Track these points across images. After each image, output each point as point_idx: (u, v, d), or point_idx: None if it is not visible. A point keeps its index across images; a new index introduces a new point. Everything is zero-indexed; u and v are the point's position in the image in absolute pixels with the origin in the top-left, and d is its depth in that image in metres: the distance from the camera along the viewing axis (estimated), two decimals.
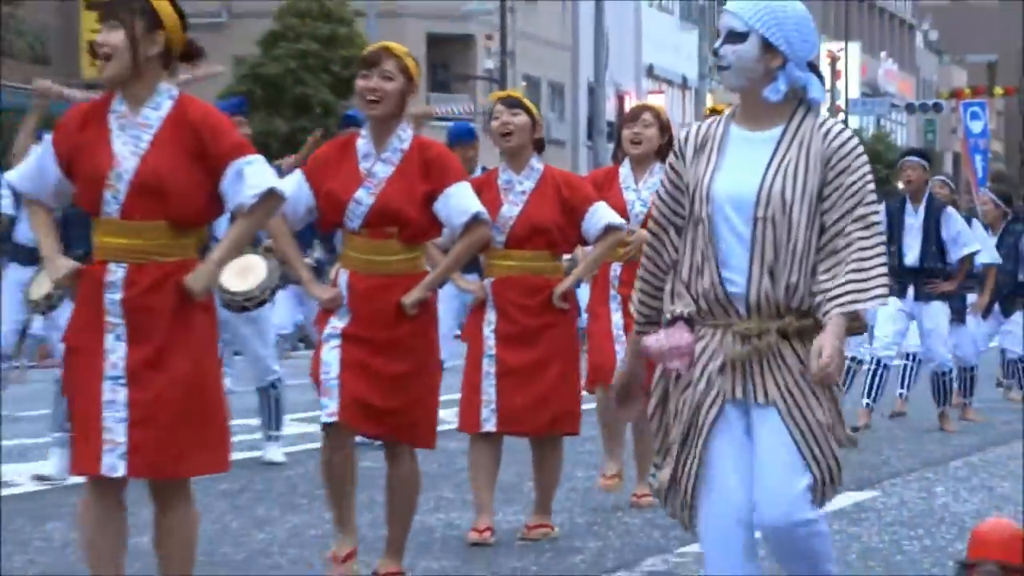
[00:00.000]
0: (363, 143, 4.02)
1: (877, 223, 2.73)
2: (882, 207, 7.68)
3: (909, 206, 8.75)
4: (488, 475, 4.88)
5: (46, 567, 4.37)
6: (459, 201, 3.91)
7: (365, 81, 4.00)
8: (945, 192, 9.31)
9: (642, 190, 5.03)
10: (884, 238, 2.82)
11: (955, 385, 9.07)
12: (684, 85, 40.23)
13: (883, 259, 2.71)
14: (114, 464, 2.90)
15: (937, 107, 42.21)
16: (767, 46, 2.69)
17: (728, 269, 2.66)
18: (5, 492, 5.86)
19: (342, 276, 3.99)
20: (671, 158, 2.90)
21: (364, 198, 3.91)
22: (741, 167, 2.70)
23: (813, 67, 2.83)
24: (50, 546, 4.78)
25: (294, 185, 3.90)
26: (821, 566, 2.72)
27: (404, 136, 3.99)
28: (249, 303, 6.17)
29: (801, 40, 2.76)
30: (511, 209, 4.83)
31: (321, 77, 24.55)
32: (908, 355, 9.16)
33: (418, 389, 3.99)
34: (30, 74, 19.46)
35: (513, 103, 5.01)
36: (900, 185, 9.55)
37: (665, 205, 2.79)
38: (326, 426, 3.97)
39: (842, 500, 6.11)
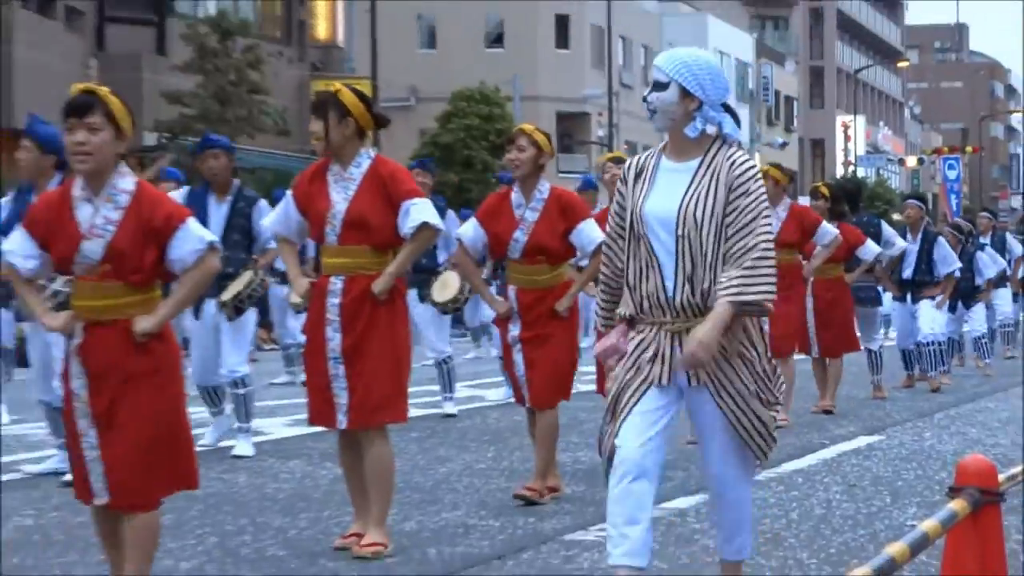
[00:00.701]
0: (516, 196, 5.22)
1: (767, 234, 3.10)
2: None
3: (908, 235, 10.83)
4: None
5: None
6: (588, 233, 5.10)
7: (507, 153, 5.30)
8: (920, 214, 11.36)
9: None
10: (772, 246, 3.17)
11: (941, 357, 11.17)
12: (739, 145, 52.38)
13: (771, 263, 3.09)
14: (341, 419, 4.20)
15: (920, 161, 59.90)
16: (684, 92, 3.06)
17: (664, 277, 3.06)
18: None
19: (511, 291, 5.26)
20: (619, 183, 3.31)
21: (520, 237, 5.16)
22: (666, 193, 3.07)
23: (729, 108, 3.22)
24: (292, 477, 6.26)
25: (470, 228, 5.39)
26: (741, 516, 3.36)
27: (543, 189, 5.20)
28: (453, 305, 8.27)
29: (714, 86, 3.11)
30: None
31: (481, 143, 33.12)
32: (917, 344, 11.21)
33: (564, 366, 5.31)
34: (275, 143, 27.13)
35: (618, 161, 6.55)
36: (899, 217, 10.99)
37: (615, 221, 3.25)
38: (528, 410, 5.37)
39: (857, 442, 7.77)
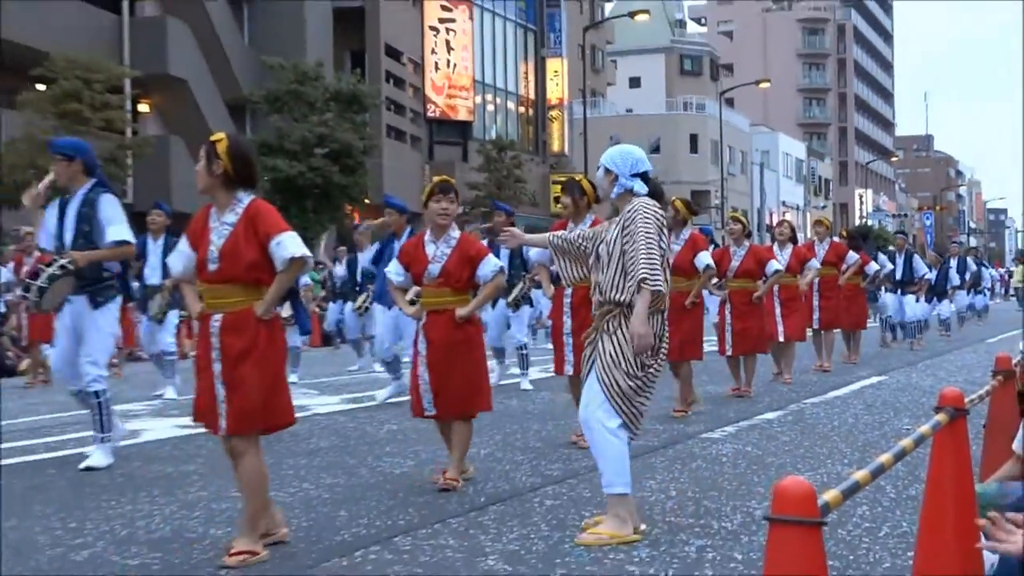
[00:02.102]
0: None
1: (653, 250, 4.16)
2: (887, 256, 14.96)
3: (897, 255, 15.19)
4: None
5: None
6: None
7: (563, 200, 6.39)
8: (904, 242, 16.30)
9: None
10: (655, 258, 4.16)
11: (919, 329, 15.54)
12: (798, 208, 67.20)
13: (656, 267, 4.14)
14: (427, 407, 5.20)
15: (905, 215, 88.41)
16: (607, 170, 4.33)
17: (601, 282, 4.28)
18: None
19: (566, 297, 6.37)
20: (600, 226, 4.68)
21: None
22: (608, 233, 4.38)
23: (644, 176, 4.36)
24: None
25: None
26: (599, 451, 4.25)
27: (588, 219, 6.09)
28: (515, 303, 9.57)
29: (624, 163, 4.34)
30: None
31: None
32: (916, 321, 15.23)
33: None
34: (529, 211, 34.61)
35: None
36: (892, 247, 17.06)
37: (587, 240, 4.55)
38: (571, 376, 6.30)
39: (871, 380, 10.25)
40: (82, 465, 5.87)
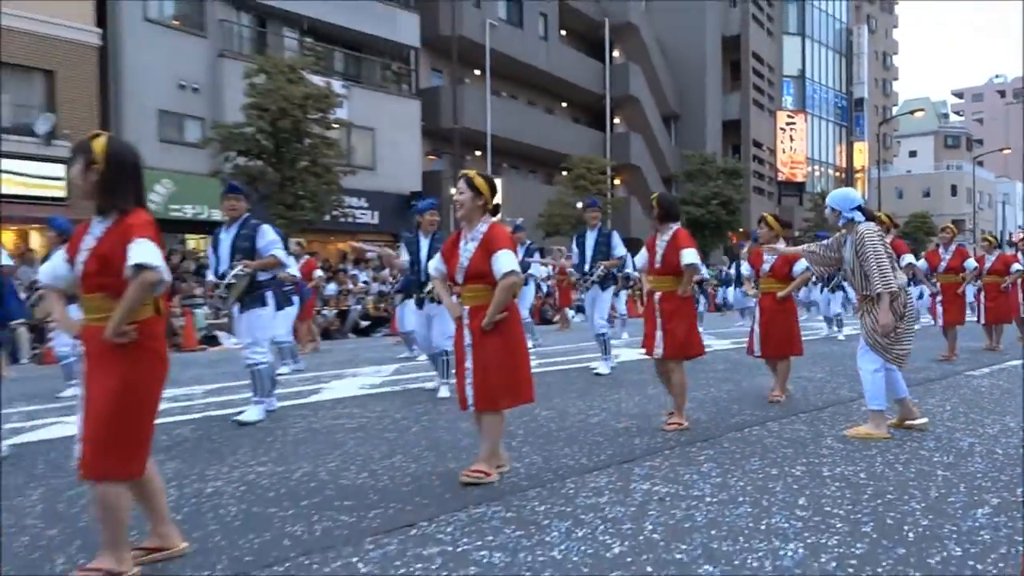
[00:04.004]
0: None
1: (883, 262, 4.43)
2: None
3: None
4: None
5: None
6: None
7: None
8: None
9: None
10: (884, 268, 4.48)
11: None
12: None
13: (887, 276, 4.38)
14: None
15: None
16: (832, 209, 4.75)
17: None
18: None
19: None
20: (834, 239, 4.81)
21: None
22: (844, 250, 4.74)
23: (860, 208, 4.76)
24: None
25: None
26: (864, 384, 4.58)
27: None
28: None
29: (844, 202, 4.71)
30: None
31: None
32: None
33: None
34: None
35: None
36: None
37: (830, 249, 4.85)
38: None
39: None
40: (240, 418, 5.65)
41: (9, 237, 17.57)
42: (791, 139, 48.29)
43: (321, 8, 23.63)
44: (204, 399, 7.09)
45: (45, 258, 6.90)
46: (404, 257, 6.86)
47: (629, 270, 10.51)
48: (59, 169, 17.62)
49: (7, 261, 4.44)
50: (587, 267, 8.15)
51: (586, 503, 3.58)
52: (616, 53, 38.13)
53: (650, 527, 3.24)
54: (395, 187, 25.28)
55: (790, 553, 2.92)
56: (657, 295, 5.34)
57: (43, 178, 17.88)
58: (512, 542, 3.10)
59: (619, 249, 8.19)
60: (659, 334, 5.25)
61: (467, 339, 3.97)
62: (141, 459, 2.80)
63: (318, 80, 19.39)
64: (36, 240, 16.96)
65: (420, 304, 6.76)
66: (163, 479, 3.95)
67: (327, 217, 19.72)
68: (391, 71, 26.51)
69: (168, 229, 17.31)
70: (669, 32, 40.43)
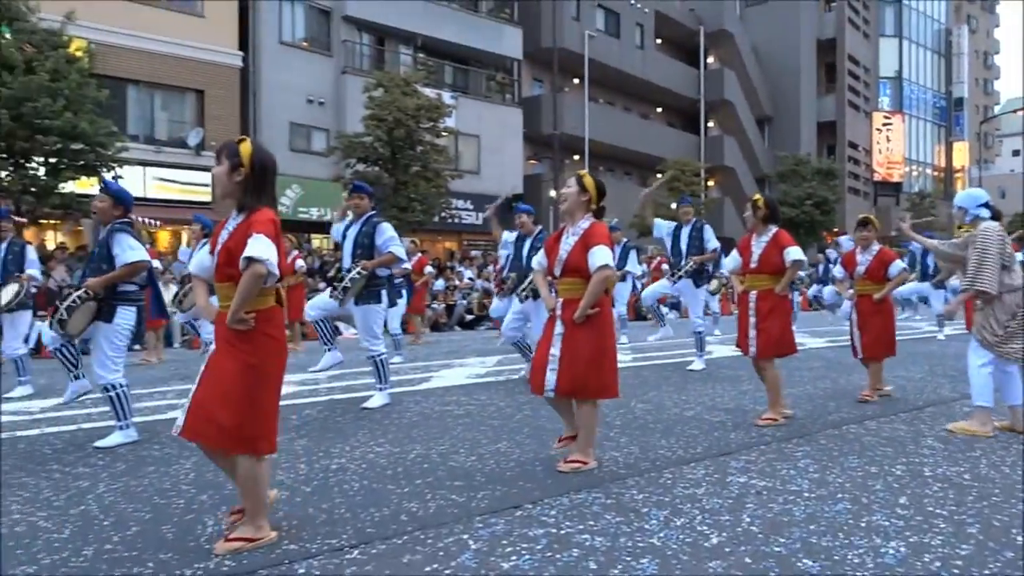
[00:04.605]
0: None
1: (986, 260, 4.38)
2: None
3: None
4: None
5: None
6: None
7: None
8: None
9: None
10: (984, 267, 4.39)
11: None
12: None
13: (983, 274, 4.39)
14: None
15: None
16: (959, 207, 4.67)
17: None
18: None
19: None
20: (966, 236, 4.59)
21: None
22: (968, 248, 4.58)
23: (987, 205, 4.61)
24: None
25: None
26: (971, 379, 4.53)
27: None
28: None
29: (970, 201, 4.63)
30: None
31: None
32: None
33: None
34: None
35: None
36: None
37: (958, 248, 4.62)
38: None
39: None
40: (365, 405, 5.70)
41: (164, 236, 18.82)
42: (887, 140, 45.88)
43: (433, 26, 24.09)
44: (328, 384, 7.30)
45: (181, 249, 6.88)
46: (503, 252, 7.07)
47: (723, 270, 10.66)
48: (206, 177, 18.79)
49: (142, 256, 4.59)
50: (682, 261, 8.12)
51: (684, 493, 3.50)
52: (710, 59, 37.22)
53: (748, 519, 3.13)
54: (498, 190, 25.40)
55: (892, 551, 2.77)
56: (752, 294, 5.20)
57: (193, 184, 19.07)
58: (612, 527, 3.05)
59: (712, 242, 8.10)
60: (752, 333, 5.12)
61: (558, 328, 3.90)
62: (268, 437, 2.82)
63: (429, 92, 19.84)
64: (186, 239, 18.01)
65: (520, 299, 6.75)
66: (294, 455, 4.28)
67: (435, 218, 20.11)
68: (495, 82, 26.79)
69: (296, 230, 18.11)
70: (763, 37, 39.12)
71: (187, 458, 4.31)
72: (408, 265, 9.19)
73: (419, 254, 12.11)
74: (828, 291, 13.26)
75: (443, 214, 20.36)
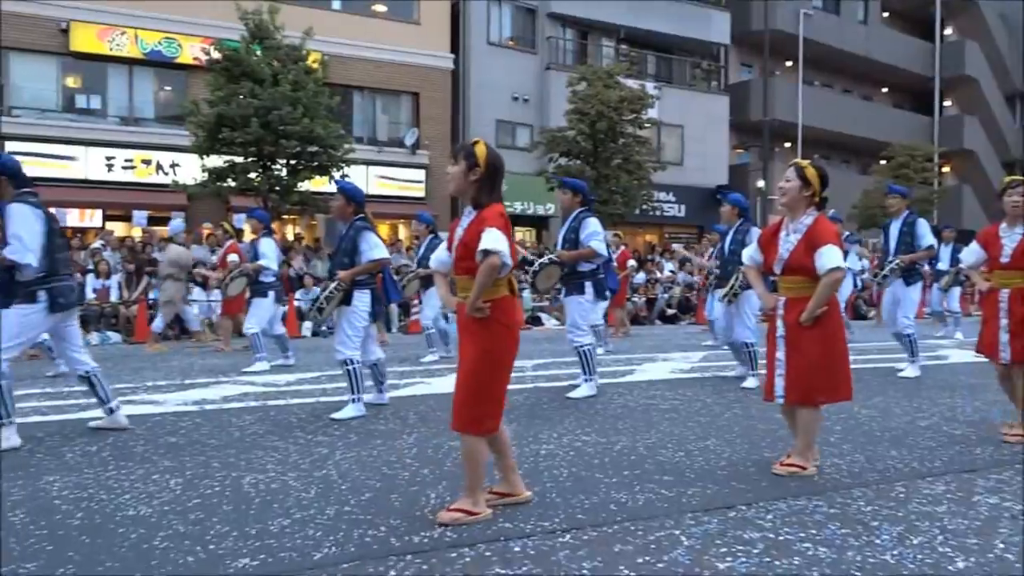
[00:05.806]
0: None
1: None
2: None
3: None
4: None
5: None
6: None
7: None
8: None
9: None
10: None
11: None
12: None
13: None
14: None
15: None
16: None
17: None
18: None
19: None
20: None
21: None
22: None
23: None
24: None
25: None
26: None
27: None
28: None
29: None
30: None
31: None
32: None
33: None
34: None
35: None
36: None
37: None
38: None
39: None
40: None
41: (383, 230, 20.44)
42: None
43: (637, 17, 23.85)
44: (534, 372, 7.52)
45: (410, 247, 7.33)
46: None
47: (942, 265, 10.07)
48: (420, 174, 20.10)
49: (384, 254, 5.07)
50: (890, 259, 7.26)
51: (920, 510, 3.20)
52: (948, 31, 33.32)
53: (1001, 545, 2.81)
54: (701, 181, 24.77)
55: None
56: (1004, 293, 4.58)
57: (408, 181, 20.52)
58: (838, 538, 2.86)
59: (925, 239, 7.12)
60: (1005, 337, 4.55)
61: (780, 330, 3.72)
62: (495, 418, 3.00)
63: (632, 83, 19.68)
64: (403, 232, 19.45)
65: (724, 297, 6.61)
66: None
67: (637, 211, 19.95)
68: (701, 69, 25.96)
69: None
70: (1014, 3, 34.24)
71: (408, 434, 4.62)
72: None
73: (622, 247, 12.12)
74: None
75: (644, 207, 20.14)
